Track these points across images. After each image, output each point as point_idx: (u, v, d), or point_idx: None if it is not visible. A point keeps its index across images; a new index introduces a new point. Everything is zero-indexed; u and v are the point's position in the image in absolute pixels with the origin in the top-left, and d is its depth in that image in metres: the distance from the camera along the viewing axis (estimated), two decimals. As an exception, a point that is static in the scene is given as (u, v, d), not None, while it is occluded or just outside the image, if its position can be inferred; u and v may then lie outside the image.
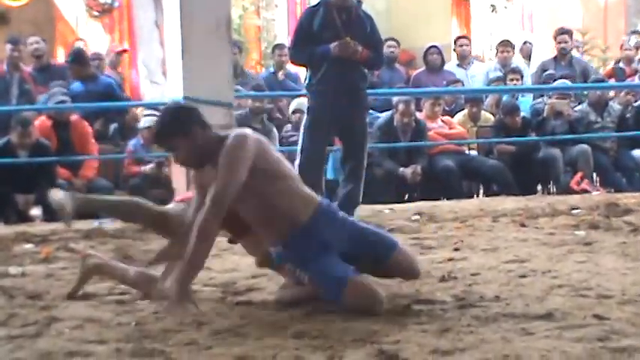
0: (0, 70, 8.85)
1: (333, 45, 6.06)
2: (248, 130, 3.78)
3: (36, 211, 7.91)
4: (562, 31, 10.92)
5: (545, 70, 10.71)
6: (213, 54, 7.40)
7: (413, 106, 9.09)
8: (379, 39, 6.50)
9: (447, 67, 10.93)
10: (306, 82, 6.37)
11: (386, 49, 10.47)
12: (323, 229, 3.73)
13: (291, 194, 3.74)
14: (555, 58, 10.92)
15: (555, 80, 10.14)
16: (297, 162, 6.21)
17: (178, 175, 7.59)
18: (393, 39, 10.66)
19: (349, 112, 6.18)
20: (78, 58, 9.26)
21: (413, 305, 3.73)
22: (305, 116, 6.36)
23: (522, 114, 9.65)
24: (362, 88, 6.33)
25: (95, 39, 11.95)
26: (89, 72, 9.17)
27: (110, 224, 6.74)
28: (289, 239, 3.71)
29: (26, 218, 7.67)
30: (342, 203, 6.24)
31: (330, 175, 8.35)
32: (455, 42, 11.46)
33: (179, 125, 3.73)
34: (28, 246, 5.89)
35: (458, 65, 11.03)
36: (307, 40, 6.19)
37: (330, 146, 6.78)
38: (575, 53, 11.41)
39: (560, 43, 10.81)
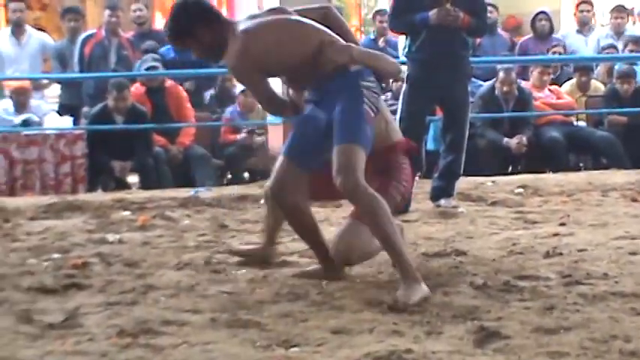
0: (98, 35, 9.03)
1: (432, 12, 5.99)
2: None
3: (133, 178, 8.09)
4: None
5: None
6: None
7: (514, 74, 8.93)
8: (483, 4, 6.38)
9: (565, 32, 10.65)
10: (405, 49, 6.31)
11: (483, 15, 10.32)
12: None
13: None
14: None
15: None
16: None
17: (275, 143, 7.65)
18: (491, 4, 10.43)
19: (450, 81, 6.11)
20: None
21: (515, 281, 3.69)
22: (404, 85, 6.31)
23: (636, 83, 9.39)
24: (463, 55, 6.25)
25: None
26: None
27: (206, 193, 6.85)
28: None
29: (123, 185, 7.85)
30: (443, 174, 6.20)
31: (430, 146, 8.29)
32: (577, 6, 11.13)
33: (184, 26, 3.83)
34: (125, 213, 6.03)
35: (578, 31, 10.76)
36: (407, 6, 6.13)
37: (430, 116, 6.71)
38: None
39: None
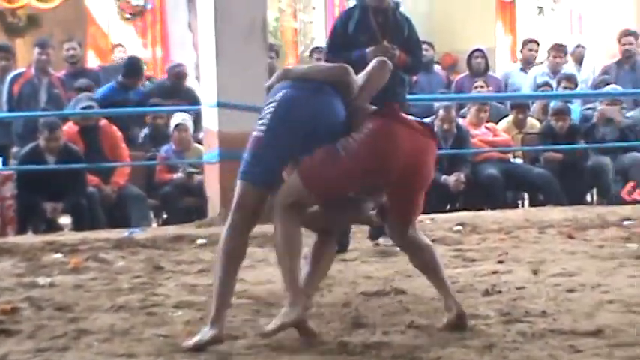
0: (28, 74, 8.93)
1: (369, 49, 6.04)
2: None
3: (65, 220, 7.98)
4: (627, 33, 10.72)
5: (606, 74, 10.57)
6: (248, 58, 7.43)
7: (454, 112, 9.05)
8: (418, 42, 6.46)
9: (509, 70, 10.86)
10: None
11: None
12: None
13: None
14: (619, 61, 10.78)
15: (607, 85, 10.05)
16: None
17: (211, 183, 7.62)
18: (427, 42, 10.57)
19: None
20: (135, 69, 9.34)
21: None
22: None
23: (571, 120, 9.57)
24: (400, 93, 6.31)
25: (127, 42, 12.06)
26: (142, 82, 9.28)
27: (141, 234, 6.78)
28: None
29: (55, 227, 7.73)
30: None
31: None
32: (523, 44, 11.34)
33: None
34: (57, 255, 5.93)
35: (521, 69, 10.96)
36: (343, 44, 6.18)
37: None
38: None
39: (624, 45, 10.62)
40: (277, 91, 3.78)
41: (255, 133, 3.74)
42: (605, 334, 3.40)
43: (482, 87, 9.99)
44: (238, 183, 3.71)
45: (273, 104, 3.75)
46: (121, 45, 11.43)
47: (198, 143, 8.52)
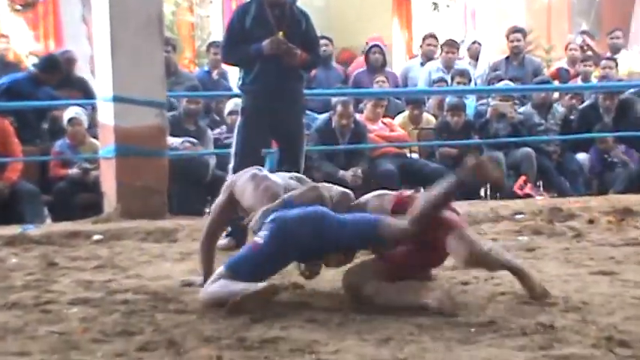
0: None
1: (265, 42, 6.04)
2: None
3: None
4: (515, 30, 11.01)
5: (496, 70, 10.81)
6: (145, 51, 7.36)
7: (352, 107, 9.12)
8: (315, 37, 6.49)
9: (410, 64, 10.98)
10: (239, 82, 6.34)
11: (318, 48, 10.51)
12: None
13: None
14: (507, 57, 11.04)
15: (501, 81, 10.28)
16: (231, 165, 6.19)
17: (107, 178, 7.52)
18: (325, 37, 10.64)
19: (284, 113, 6.17)
20: (54, 66, 9.08)
21: (353, 314, 3.75)
22: (239, 117, 6.33)
23: (466, 116, 9.75)
24: (297, 88, 6.33)
25: (18, 35, 11.77)
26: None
27: (35, 230, 6.65)
28: None
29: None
30: None
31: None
32: (423, 40, 11.48)
33: None
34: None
35: (422, 64, 11.09)
36: (239, 38, 6.17)
37: (267, 148, 6.79)
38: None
39: (512, 42, 10.90)
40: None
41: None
42: (497, 325, 3.49)
43: (383, 82, 10.09)
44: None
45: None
46: (4, 36, 11.12)
47: (94, 138, 8.39)
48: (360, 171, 8.88)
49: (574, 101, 10.51)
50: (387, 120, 9.70)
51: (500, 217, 7.01)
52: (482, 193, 9.61)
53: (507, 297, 4.02)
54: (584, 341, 3.19)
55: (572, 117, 10.29)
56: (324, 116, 9.29)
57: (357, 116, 9.34)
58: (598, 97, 10.18)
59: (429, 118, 10.01)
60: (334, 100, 9.11)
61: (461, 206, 7.75)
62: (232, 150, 6.31)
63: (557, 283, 4.34)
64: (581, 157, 10.08)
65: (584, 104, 10.41)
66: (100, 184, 7.77)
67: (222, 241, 5.46)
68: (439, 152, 9.58)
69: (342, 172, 8.91)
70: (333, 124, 9.04)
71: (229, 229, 5.63)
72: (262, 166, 6.58)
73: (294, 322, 3.63)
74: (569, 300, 3.94)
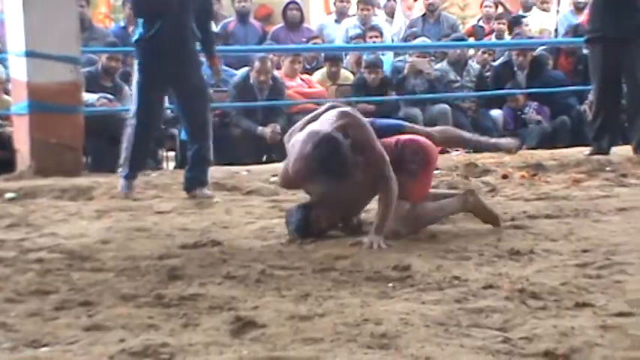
0: None
1: None
2: None
3: None
4: (430, -13, 11.07)
5: (413, 28, 10.85)
6: (57, 6, 7.18)
7: (270, 64, 9.06)
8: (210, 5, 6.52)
9: (324, 22, 10.92)
10: (136, 37, 6.24)
11: (237, 4, 10.41)
12: None
13: None
14: (424, 15, 11.07)
15: (417, 38, 10.32)
16: (131, 121, 6.14)
17: (20, 135, 7.36)
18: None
19: (182, 69, 6.13)
20: None
21: (271, 270, 3.75)
22: (136, 74, 6.22)
23: (383, 73, 9.77)
24: (193, 48, 6.29)
25: None
26: None
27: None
28: None
29: None
30: (193, 164, 6.19)
31: (184, 136, 8.28)
32: None
33: None
34: None
35: (336, 21, 11.05)
36: None
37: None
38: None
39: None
40: None
41: None
42: (414, 280, 3.52)
43: (377, 38, 10.11)
44: None
45: None
46: None
47: (6, 94, 8.19)
48: (278, 127, 8.86)
49: (486, 56, 10.62)
50: (304, 76, 9.67)
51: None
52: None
53: (425, 252, 4.06)
54: (498, 294, 3.24)
55: (486, 74, 10.40)
56: (242, 72, 9.22)
57: (275, 72, 9.29)
58: (512, 55, 10.31)
59: (346, 75, 10.02)
60: (253, 56, 9.05)
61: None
62: (132, 107, 6.24)
63: (472, 238, 4.40)
64: (496, 113, 10.21)
65: (498, 62, 10.53)
66: (12, 141, 7.59)
67: None
68: (356, 108, 9.59)
69: (260, 128, 8.88)
70: (251, 81, 8.99)
71: None
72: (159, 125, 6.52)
73: (212, 278, 3.61)
74: (483, 253, 3.99)
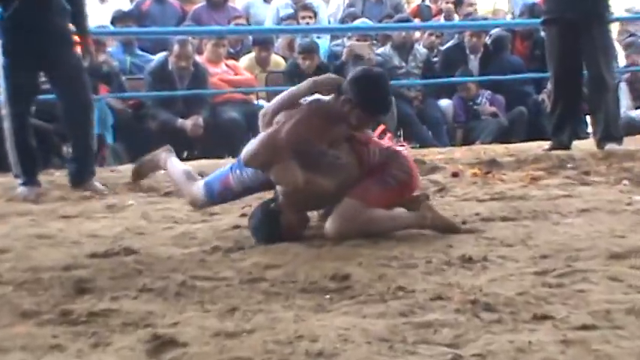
0: None
1: None
2: None
3: None
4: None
5: (352, 7, 10.90)
6: None
7: (191, 48, 9.03)
8: None
9: (250, 1, 10.94)
10: None
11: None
12: None
13: None
14: (364, -7, 11.15)
15: (356, 19, 10.37)
16: (4, 112, 6.14)
17: None
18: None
19: (54, 49, 6.14)
20: None
21: (193, 281, 3.73)
22: (0, 58, 6.23)
23: (319, 58, 9.79)
24: (63, 24, 6.28)
25: None
26: None
27: None
28: None
29: None
30: (75, 155, 6.25)
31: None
32: None
33: None
34: None
35: (264, 1, 11.03)
36: None
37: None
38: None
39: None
40: None
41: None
42: (354, 290, 3.53)
43: (310, 19, 10.09)
44: None
45: None
46: None
47: None
48: (201, 119, 8.84)
49: (434, 39, 10.71)
50: (230, 62, 9.65)
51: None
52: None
53: (365, 259, 4.07)
54: (448, 306, 3.27)
55: (434, 59, 10.49)
56: (159, 57, 9.17)
57: (197, 57, 9.26)
58: (463, 37, 10.40)
59: (277, 61, 10.02)
60: (172, 39, 9.01)
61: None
62: (2, 97, 6.25)
63: (419, 243, 4.42)
64: (445, 103, 10.30)
65: (449, 44, 10.62)
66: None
67: None
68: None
69: (180, 120, 8.86)
70: (170, 67, 8.95)
71: None
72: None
73: (126, 291, 3.58)
74: (431, 261, 4.02)
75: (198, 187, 4.90)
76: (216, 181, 4.82)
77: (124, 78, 9.49)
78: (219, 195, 4.83)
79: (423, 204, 4.71)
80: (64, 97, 6.24)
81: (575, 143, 8.06)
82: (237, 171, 4.73)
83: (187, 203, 5.19)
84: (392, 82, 9.88)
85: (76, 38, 6.52)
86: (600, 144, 7.82)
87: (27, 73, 6.15)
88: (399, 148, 4.68)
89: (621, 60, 10.68)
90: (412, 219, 4.64)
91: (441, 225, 4.67)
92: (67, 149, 8.88)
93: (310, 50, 9.60)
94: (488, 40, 10.65)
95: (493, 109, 10.21)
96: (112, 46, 10.24)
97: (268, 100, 9.80)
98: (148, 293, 3.58)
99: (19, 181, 6.26)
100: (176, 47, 8.88)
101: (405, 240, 4.51)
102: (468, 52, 10.29)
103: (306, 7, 10.49)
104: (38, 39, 6.06)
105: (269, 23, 10.68)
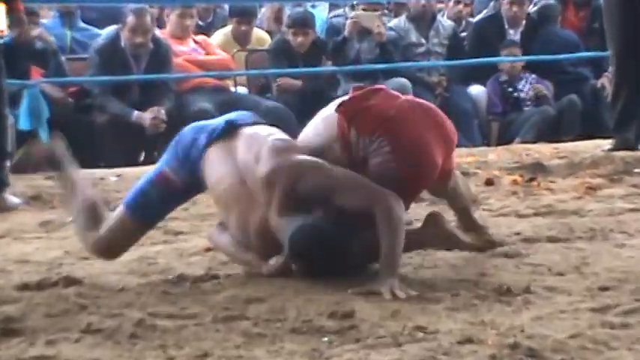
0: None
1: None
2: None
3: None
4: None
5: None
6: None
7: (149, 18, 9.03)
8: None
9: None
10: None
11: None
12: None
13: None
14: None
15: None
16: None
17: None
18: None
19: None
20: None
21: (153, 319, 3.73)
22: None
23: (314, 33, 9.80)
24: None
25: None
26: None
27: None
28: None
29: None
30: None
31: (24, 125, 8.23)
32: None
33: None
34: None
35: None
36: None
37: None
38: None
39: None
40: None
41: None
42: (360, 332, 3.54)
43: None
44: None
45: None
46: None
47: None
48: (163, 111, 8.84)
49: (462, 7, 10.70)
50: (200, 38, 9.66)
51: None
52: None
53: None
54: (480, 351, 3.27)
55: (462, 34, 10.49)
56: (108, 32, 9.17)
57: (158, 32, 9.26)
58: (500, 6, 10.39)
59: (261, 36, 10.03)
60: (127, 7, 9.02)
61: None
62: None
63: (444, 270, 4.43)
64: (476, 90, 10.30)
65: (481, 15, 10.63)
66: None
67: None
68: (277, 84, 9.62)
69: (137, 112, 8.86)
70: (123, 44, 8.95)
71: None
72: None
73: (66, 333, 3.58)
74: (458, 293, 4.02)
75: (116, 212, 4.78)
76: (146, 184, 4.71)
77: (63, 58, 9.48)
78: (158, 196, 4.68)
79: (428, 215, 4.72)
80: None
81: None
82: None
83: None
84: (407, 63, 9.90)
85: None
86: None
87: None
88: None
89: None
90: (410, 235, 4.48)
91: (452, 242, 4.69)
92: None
93: (303, 23, 9.60)
94: (532, 9, 10.68)
95: (542, 88, 10.21)
96: (48, 18, 10.23)
97: (248, 87, 9.83)
98: (94, 335, 3.58)
99: None
100: (130, 18, 8.87)
101: (425, 266, 4.51)
102: (506, 25, 10.31)
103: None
104: None
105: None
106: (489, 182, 6.84)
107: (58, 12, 10.05)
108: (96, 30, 9.59)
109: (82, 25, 10.05)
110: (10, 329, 3.66)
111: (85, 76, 9.32)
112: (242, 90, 9.79)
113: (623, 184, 6.69)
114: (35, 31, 9.00)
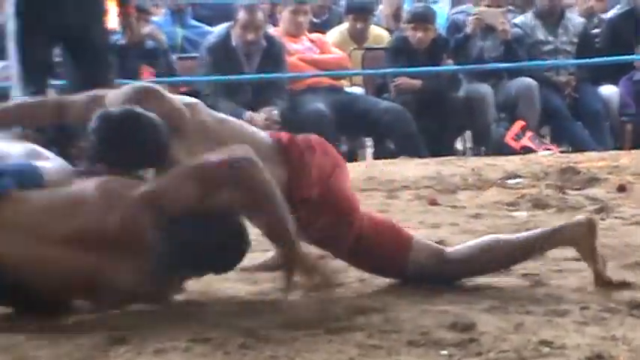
0: None
1: None
2: None
3: None
4: None
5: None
6: None
7: (261, 15, 9.07)
8: None
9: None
10: None
11: None
12: None
13: None
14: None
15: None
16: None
17: None
18: None
19: (79, 19, 6.29)
20: None
21: (267, 332, 3.75)
22: (12, 22, 6.39)
23: (435, 30, 9.77)
24: None
25: None
26: None
27: None
28: None
29: None
30: None
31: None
32: None
33: None
34: None
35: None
36: None
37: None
38: None
39: None
40: None
41: None
42: (482, 346, 3.51)
43: None
44: None
45: None
46: None
47: None
48: (276, 112, 8.87)
49: (593, 2, 10.59)
50: (315, 36, 9.68)
51: (486, 183, 7.05)
52: (459, 146, 9.67)
53: (495, 301, 4.05)
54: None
55: (594, 30, 10.39)
56: (220, 29, 9.24)
57: (270, 30, 9.30)
58: (636, 0, 10.27)
59: (378, 34, 10.03)
60: (238, 4, 9.08)
61: (427, 165, 7.85)
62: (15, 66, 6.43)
63: (570, 279, 4.39)
64: (608, 90, 10.19)
65: (615, 10, 10.51)
66: None
67: None
68: (394, 85, 9.61)
69: (249, 113, 8.89)
70: (234, 42, 9.00)
71: None
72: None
73: (175, 342, 3.61)
74: (587, 306, 3.97)
75: None
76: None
77: (173, 57, 9.58)
78: None
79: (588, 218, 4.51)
80: (82, 83, 6.33)
81: None
82: None
83: None
84: (534, 62, 9.83)
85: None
86: None
87: (41, 45, 6.36)
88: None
89: None
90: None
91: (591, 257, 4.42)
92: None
93: (424, 18, 9.57)
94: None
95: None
96: (159, 15, 10.34)
97: (365, 87, 9.84)
98: (203, 345, 3.60)
99: None
100: (241, 14, 8.92)
101: (551, 277, 4.47)
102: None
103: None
104: (61, 6, 6.23)
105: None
106: (622, 188, 6.75)
107: (169, 10, 10.16)
108: (207, 28, 9.66)
109: (193, 22, 10.15)
110: (117, 338, 3.70)
111: (195, 76, 9.40)
112: (358, 90, 9.80)
113: None
114: (146, 29, 9.10)
